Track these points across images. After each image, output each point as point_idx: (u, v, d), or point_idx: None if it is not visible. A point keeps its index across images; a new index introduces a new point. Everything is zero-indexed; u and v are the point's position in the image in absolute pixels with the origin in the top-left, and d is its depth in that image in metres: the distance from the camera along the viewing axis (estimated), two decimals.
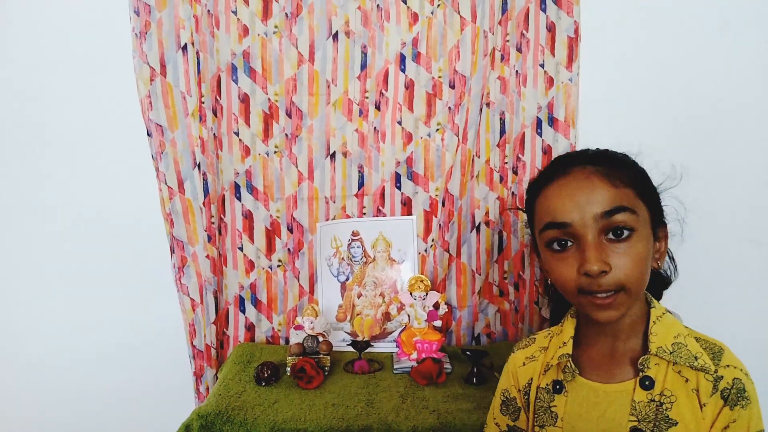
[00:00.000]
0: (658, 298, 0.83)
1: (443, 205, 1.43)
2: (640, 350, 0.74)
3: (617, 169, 0.72)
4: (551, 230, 0.72)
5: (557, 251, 0.72)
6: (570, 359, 0.77)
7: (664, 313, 0.75)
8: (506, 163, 1.45)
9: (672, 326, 0.74)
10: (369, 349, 1.34)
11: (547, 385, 0.80)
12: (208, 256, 1.41)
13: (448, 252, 1.46)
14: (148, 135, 1.37)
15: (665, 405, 0.70)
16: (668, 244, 0.78)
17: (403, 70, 1.40)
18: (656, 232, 0.74)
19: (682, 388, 0.70)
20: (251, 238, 1.46)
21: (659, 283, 0.82)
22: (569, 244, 0.71)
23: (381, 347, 1.40)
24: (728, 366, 0.70)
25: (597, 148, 0.77)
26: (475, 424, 1.06)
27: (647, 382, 0.72)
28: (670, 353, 0.71)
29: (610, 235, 0.69)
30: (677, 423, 0.69)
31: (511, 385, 0.86)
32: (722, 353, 0.71)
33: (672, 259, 0.83)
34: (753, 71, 1.41)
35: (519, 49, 1.41)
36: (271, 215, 1.46)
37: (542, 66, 1.40)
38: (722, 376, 0.69)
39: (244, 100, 1.41)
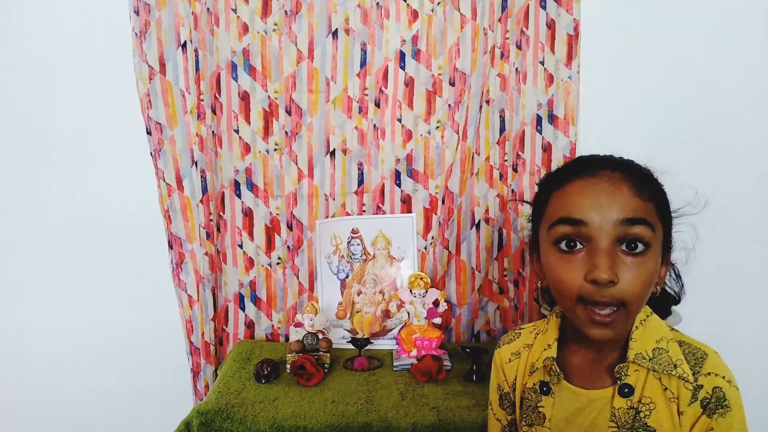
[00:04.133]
0: (667, 313, 0.80)
1: (443, 202, 1.43)
2: (621, 357, 0.72)
3: (644, 181, 0.70)
4: (564, 226, 0.68)
5: (564, 251, 0.68)
6: (555, 363, 0.75)
7: (648, 316, 0.73)
8: (506, 160, 1.45)
9: (655, 329, 0.72)
10: (369, 347, 1.34)
11: (534, 385, 0.79)
12: (206, 254, 1.42)
13: (448, 249, 1.46)
14: (148, 133, 1.37)
15: (643, 412, 0.69)
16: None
17: (403, 68, 1.40)
18: (664, 253, 0.72)
19: (661, 396, 0.69)
20: (251, 235, 1.46)
21: (667, 300, 0.80)
22: (578, 246, 0.68)
23: (381, 344, 1.41)
24: (709, 374, 0.67)
25: (621, 157, 0.73)
26: (474, 421, 1.06)
27: (626, 390, 0.70)
28: (649, 360, 0.69)
29: (624, 247, 0.66)
30: (655, 430, 0.68)
31: (503, 380, 0.85)
32: (705, 359, 0.69)
33: (678, 277, 0.80)
34: (752, 69, 1.40)
35: (519, 47, 1.41)
36: (270, 212, 1.46)
37: (542, 63, 1.40)
38: (702, 385, 0.67)
39: (244, 97, 1.41)
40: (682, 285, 0.80)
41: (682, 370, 0.68)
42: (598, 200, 0.67)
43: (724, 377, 0.68)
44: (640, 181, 0.69)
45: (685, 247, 0.80)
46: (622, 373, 0.70)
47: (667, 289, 0.80)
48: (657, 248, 0.68)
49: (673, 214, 0.74)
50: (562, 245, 0.69)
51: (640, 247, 0.66)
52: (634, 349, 0.70)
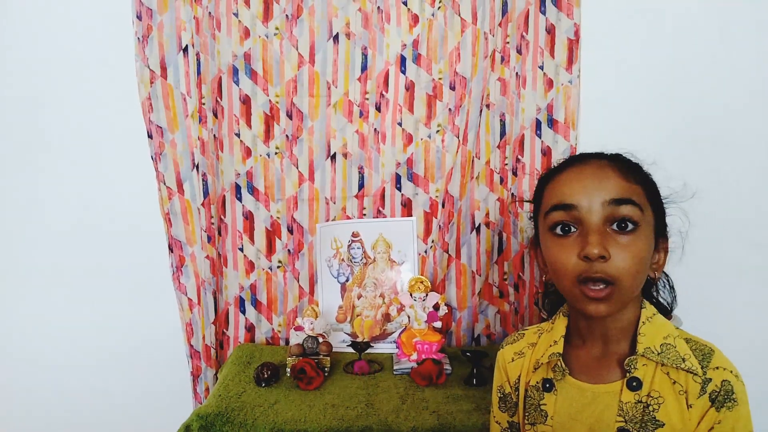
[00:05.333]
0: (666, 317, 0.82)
1: (443, 206, 1.43)
2: (629, 351, 0.74)
3: (630, 167, 0.74)
4: (557, 212, 0.72)
5: (559, 236, 0.73)
6: (560, 358, 0.77)
7: (654, 314, 0.75)
8: (506, 164, 1.46)
9: (662, 327, 0.74)
10: (369, 350, 1.34)
11: (537, 382, 0.80)
12: (207, 257, 1.42)
13: (448, 253, 1.46)
14: (149, 137, 1.38)
15: (652, 406, 0.70)
16: (667, 260, 0.78)
17: (404, 72, 1.41)
18: (658, 241, 0.74)
19: (670, 390, 0.70)
20: (251, 238, 1.47)
21: (660, 311, 0.82)
22: (572, 230, 0.72)
23: (381, 348, 1.40)
24: (717, 368, 0.69)
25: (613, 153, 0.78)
26: (475, 425, 1.06)
27: (634, 383, 0.71)
28: (658, 354, 0.71)
29: (614, 227, 0.70)
30: (664, 424, 0.69)
31: (504, 381, 0.86)
32: (712, 355, 0.71)
33: (672, 288, 0.83)
34: (752, 73, 1.41)
35: (519, 51, 1.41)
36: (271, 216, 1.46)
37: (541, 68, 1.40)
38: (711, 379, 0.69)
39: (245, 101, 1.42)
40: (675, 297, 0.83)
41: (691, 364, 0.70)
42: (586, 184, 0.72)
43: (731, 371, 0.70)
44: (627, 167, 0.74)
45: (681, 233, 0.84)
46: (632, 366, 0.72)
47: (660, 300, 0.82)
48: (647, 229, 0.72)
49: (664, 200, 0.77)
50: (557, 230, 0.73)
51: (630, 226, 0.70)
52: (643, 343, 0.72)
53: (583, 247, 0.69)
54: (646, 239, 0.71)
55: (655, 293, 0.81)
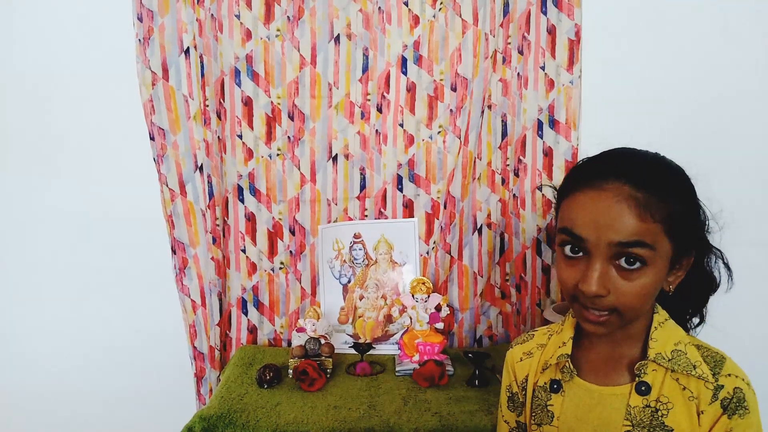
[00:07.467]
0: (703, 304, 0.79)
1: (445, 207, 1.44)
2: (640, 355, 0.74)
3: (657, 199, 0.66)
4: (566, 236, 0.71)
5: (568, 256, 0.72)
6: (569, 359, 0.78)
7: (666, 320, 0.75)
8: (508, 165, 1.46)
9: (673, 333, 0.74)
10: (371, 352, 1.34)
11: (544, 383, 0.81)
12: (213, 258, 1.42)
13: (450, 254, 1.46)
14: (151, 138, 1.38)
15: (661, 411, 0.70)
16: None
17: (405, 73, 1.41)
18: (677, 262, 0.72)
19: (679, 396, 0.70)
20: (254, 240, 1.47)
21: (706, 286, 0.79)
22: (581, 253, 0.70)
23: (383, 349, 1.41)
24: (730, 375, 0.70)
25: (644, 158, 0.72)
26: (477, 426, 1.06)
27: (643, 388, 0.72)
28: (669, 360, 0.71)
29: (622, 262, 0.67)
30: (672, 430, 0.70)
31: (512, 380, 0.86)
32: (723, 362, 0.71)
33: (727, 266, 0.79)
34: (753, 72, 1.41)
35: (520, 52, 1.41)
36: (273, 217, 1.46)
37: (543, 68, 1.40)
38: (723, 386, 0.69)
39: (247, 103, 1.42)
40: (731, 275, 0.79)
41: (702, 371, 0.70)
42: (597, 219, 0.67)
43: (743, 379, 0.70)
44: (654, 199, 0.66)
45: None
46: (642, 371, 0.72)
47: (711, 272, 0.78)
48: (659, 263, 0.68)
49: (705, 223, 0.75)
50: (567, 250, 0.72)
51: (638, 264, 0.67)
52: (654, 349, 0.72)
53: (582, 280, 0.68)
54: (655, 274, 0.68)
55: (707, 266, 0.77)
